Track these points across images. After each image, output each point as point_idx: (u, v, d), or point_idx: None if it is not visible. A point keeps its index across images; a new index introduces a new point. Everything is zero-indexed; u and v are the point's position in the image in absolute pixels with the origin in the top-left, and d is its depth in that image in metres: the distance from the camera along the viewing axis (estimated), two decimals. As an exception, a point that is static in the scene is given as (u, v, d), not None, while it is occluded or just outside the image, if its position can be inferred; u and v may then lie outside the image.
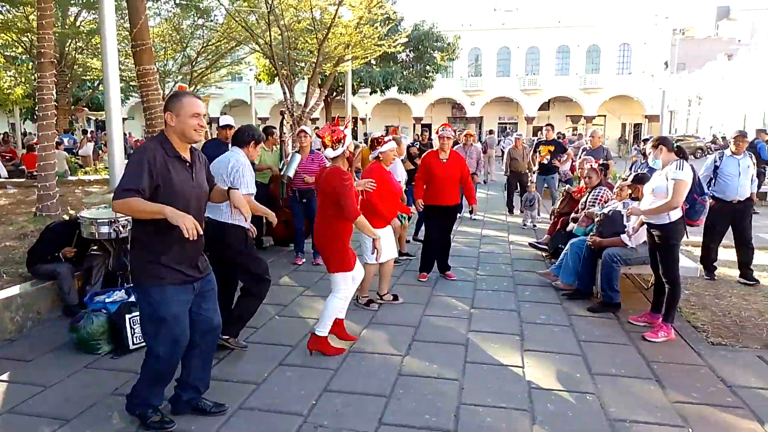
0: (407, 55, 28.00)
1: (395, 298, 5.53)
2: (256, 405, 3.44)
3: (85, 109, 25.37)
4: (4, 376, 3.86)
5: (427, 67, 28.37)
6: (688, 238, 4.90)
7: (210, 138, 7.95)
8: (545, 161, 10.46)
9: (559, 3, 41.87)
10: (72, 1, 16.94)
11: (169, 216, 2.68)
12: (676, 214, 4.51)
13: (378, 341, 4.53)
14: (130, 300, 4.49)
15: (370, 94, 30.40)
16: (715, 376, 3.92)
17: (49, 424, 3.23)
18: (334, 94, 26.35)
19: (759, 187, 6.54)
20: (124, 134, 31.98)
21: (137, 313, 4.31)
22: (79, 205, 9.07)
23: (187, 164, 2.96)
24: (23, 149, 18.65)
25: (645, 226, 4.84)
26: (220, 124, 6.75)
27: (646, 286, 5.91)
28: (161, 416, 3.16)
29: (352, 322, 4.89)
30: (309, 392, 3.61)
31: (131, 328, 4.25)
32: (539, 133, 17.06)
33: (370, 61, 20.82)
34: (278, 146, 7.83)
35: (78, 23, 18.26)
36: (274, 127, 7.93)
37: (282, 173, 6.53)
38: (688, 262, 5.77)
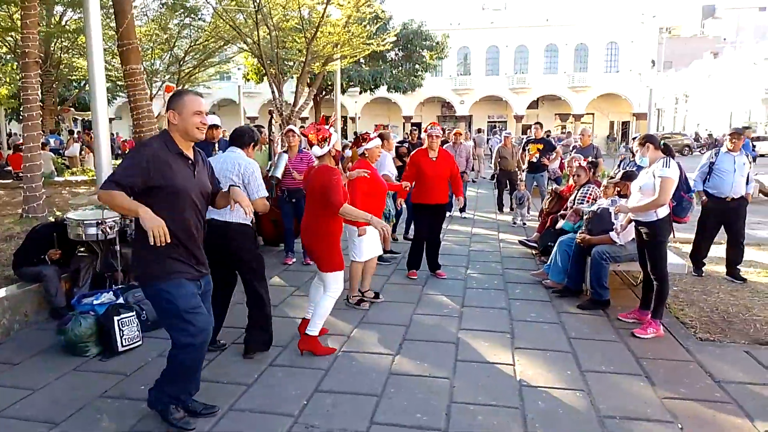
0: (396, 54, 28.00)
1: (377, 295, 5.53)
2: (247, 406, 3.42)
3: (72, 109, 25.12)
4: (-9, 380, 3.81)
5: (416, 66, 28.39)
6: (674, 236, 4.92)
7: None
8: (534, 159, 10.50)
9: (547, 2, 42.03)
10: (57, 0, 16.76)
11: (142, 217, 2.67)
12: (663, 212, 4.55)
13: (369, 341, 4.52)
14: (118, 302, 4.46)
15: (360, 93, 30.40)
16: (704, 372, 3.95)
17: (38, 427, 3.19)
18: (324, 93, 26.30)
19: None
20: (112, 134, 31.71)
21: (126, 315, 4.29)
22: (65, 206, 8.99)
23: (190, 162, 2.95)
24: (9, 150, 18.45)
25: (633, 223, 4.88)
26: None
27: (635, 283, 5.96)
28: (183, 414, 3.16)
29: (342, 322, 4.88)
30: (300, 393, 3.59)
31: (120, 330, 4.21)
32: (528, 131, 17.14)
33: (359, 60, 20.80)
34: (267, 146, 7.80)
35: (63, 22, 18.08)
36: (262, 126, 7.90)
37: (270, 174, 6.53)
38: (676, 258, 5.82)
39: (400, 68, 28.27)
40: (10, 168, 15.41)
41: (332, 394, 3.58)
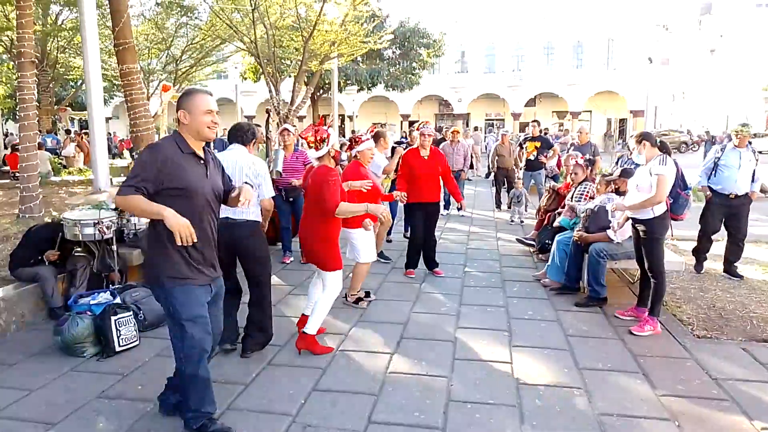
0: (393, 53, 27.96)
1: (367, 294, 5.52)
2: (245, 406, 3.42)
3: (68, 108, 25.07)
4: (-12, 381, 3.80)
5: (414, 64, 28.33)
6: (672, 235, 4.92)
7: None
8: (532, 157, 10.50)
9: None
10: (53, 0, 16.72)
11: (166, 217, 2.66)
12: (660, 209, 4.55)
13: (366, 339, 4.52)
14: (115, 302, 4.45)
15: (357, 91, 30.31)
16: (701, 369, 3.96)
17: (35, 428, 3.19)
18: (321, 91, 26.27)
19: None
20: (109, 134, 31.65)
21: (123, 315, 4.29)
22: (62, 206, 8.96)
23: (202, 161, 2.93)
24: (6, 149, 18.39)
25: (630, 221, 4.88)
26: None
27: (633, 281, 5.97)
28: (221, 425, 3.07)
29: (340, 321, 4.88)
30: (298, 392, 3.59)
31: (117, 330, 4.21)
32: (526, 128, 17.16)
33: (356, 58, 20.77)
34: (264, 144, 7.79)
35: (60, 22, 18.03)
36: (259, 125, 7.90)
37: (271, 170, 6.53)
38: (673, 256, 5.84)
39: (398, 66, 28.22)
40: (7, 168, 15.36)
41: (330, 393, 3.58)
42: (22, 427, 3.21)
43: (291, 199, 6.81)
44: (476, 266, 6.87)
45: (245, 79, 25.05)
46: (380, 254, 7.09)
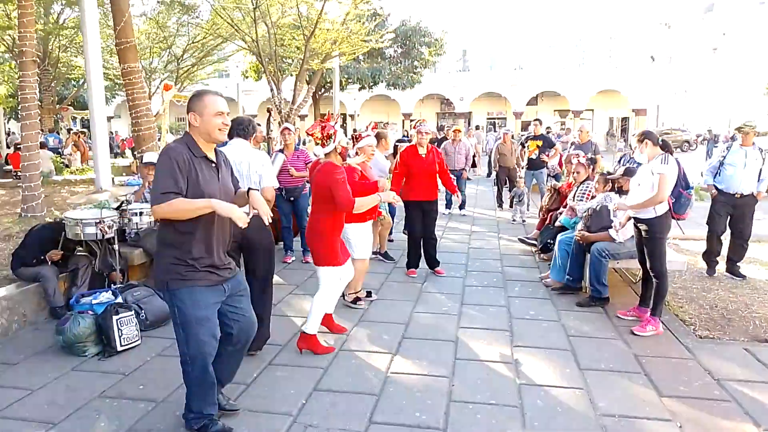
0: (395, 51, 27.93)
1: (369, 294, 5.52)
2: (246, 405, 3.42)
3: (70, 107, 25.08)
4: (-11, 381, 3.81)
5: (415, 63, 28.30)
6: (683, 233, 4.88)
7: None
8: (533, 156, 10.49)
9: (546, -3, 41.98)
10: (55, -1, 16.74)
11: (218, 208, 2.68)
12: (662, 208, 4.54)
13: (367, 339, 4.52)
14: (117, 301, 4.45)
15: (359, 90, 30.29)
16: (703, 370, 3.95)
17: (36, 427, 3.19)
18: (323, 90, 26.26)
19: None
20: (110, 133, 31.68)
21: (124, 315, 4.29)
22: (64, 205, 8.97)
23: (213, 164, 2.90)
24: (8, 148, 18.42)
25: (632, 220, 4.87)
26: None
27: (635, 281, 5.95)
28: (222, 426, 3.06)
29: (341, 320, 4.87)
30: (298, 392, 3.59)
31: (118, 329, 4.21)
32: (528, 127, 17.14)
33: (357, 57, 20.75)
34: (265, 143, 7.79)
35: (62, 21, 18.04)
36: (259, 124, 7.89)
37: None
38: (676, 255, 5.81)
39: (399, 65, 28.19)
40: (9, 167, 15.38)
41: (331, 393, 3.58)
42: (24, 426, 3.21)
43: (292, 199, 6.81)
44: (478, 266, 6.86)
45: (247, 77, 25.07)
46: (384, 254, 7.09)
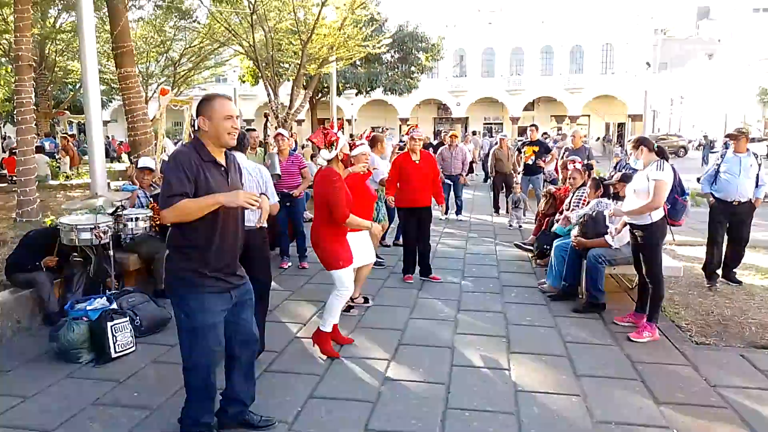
0: (392, 56, 28.00)
1: (366, 300, 5.51)
2: (241, 413, 3.39)
3: (67, 112, 25.02)
4: (-18, 388, 3.78)
5: (412, 68, 28.38)
6: (674, 239, 4.90)
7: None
8: (530, 162, 10.50)
9: (543, 3, 42.12)
10: (52, 3, 16.70)
11: (225, 201, 2.67)
12: (658, 214, 4.54)
13: (364, 346, 4.50)
14: (111, 307, 4.43)
15: (356, 95, 30.35)
16: (699, 376, 3.94)
17: (29, 436, 3.16)
18: (320, 95, 26.28)
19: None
20: (107, 137, 31.56)
21: (119, 321, 4.27)
22: (60, 210, 8.94)
23: (222, 169, 2.88)
24: (4, 153, 18.36)
25: (628, 226, 4.87)
26: (196, 127, 6.72)
27: (631, 287, 5.95)
28: None
29: (338, 327, 4.85)
30: (294, 399, 3.57)
31: (113, 336, 4.18)
32: (525, 133, 17.19)
33: (354, 62, 20.79)
34: (262, 148, 7.79)
35: (58, 25, 18.02)
36: (254, 129, 7.90)
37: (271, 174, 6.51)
38: (672, 261, 5.82)
39: (396, 70, 28.26)
40: (5, 171, 15.31)
41: (327, 401, 3.56)
42: (17, 434, 3.19)
43: (288, 204, 6.79)
44: (474, 271, 6.86)
45: (244, 82, 25.07)
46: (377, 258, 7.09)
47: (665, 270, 4.82)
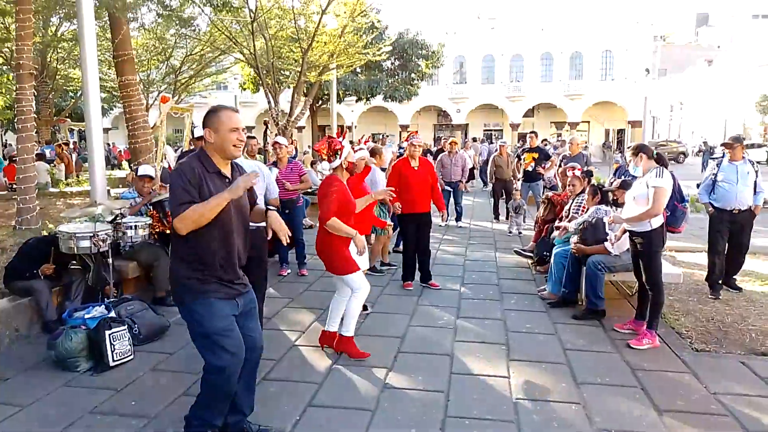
0: (392, 63, 28.10)
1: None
2: (239, 421, 3.38)
3: (68, 119, 25.09)
4: (-20, 397, 3.77)
5: (412, 75, 28.48)
6: (664, 244, 4.87)
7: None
8: (530, 168, 10.50)
9: (542, 10, 42.34)
10: (53, 11, 16.76)
11: (231, 195, 2.70)
12: (657, 221, 4.54)
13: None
14: (110, 315, 4.42)
15: (356, 102, 30.44)
16: (700, 384, 3.93)
17: (26, 445, 3.15)
18: (320, 102, 26.37)
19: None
20: (107, 144, 31.62)
21: (117, 329, 4.26)
22: (60, 218, 8.94)
23: (227, 180, 2.87)
24: (5, 160, 18.38)
25: (627, 233, 4.87)
26: (195, 135, 6.77)
27: (631, 293, 5.94)
28: None
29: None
30: (293, 407, 3.56)
31: (111, 344, 4.17)
32: (524, 139, 17.20)
33: (355, 69, 20.85)
34: (261, 156, 7.80)
35: (60, 33, 18.09)
36: (254, 136, 7.91)
37: None
38: (672, 268, 5.81)
39: (396, 77, 28.36)
40: (5, 179, 15.33)
41: (325, 409, 3.55)
42: (14, 443, 3.18)
43: (287, 211, 6.80)
44: (474, 278, 6.85)
45: (245, 89, 25.16)
46: (388, 264, 7.11)
47: (665, 277, 4.81)
